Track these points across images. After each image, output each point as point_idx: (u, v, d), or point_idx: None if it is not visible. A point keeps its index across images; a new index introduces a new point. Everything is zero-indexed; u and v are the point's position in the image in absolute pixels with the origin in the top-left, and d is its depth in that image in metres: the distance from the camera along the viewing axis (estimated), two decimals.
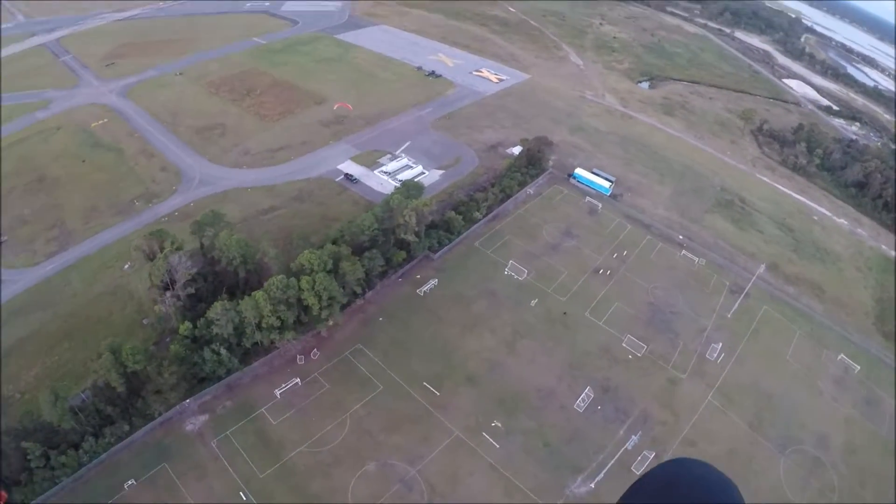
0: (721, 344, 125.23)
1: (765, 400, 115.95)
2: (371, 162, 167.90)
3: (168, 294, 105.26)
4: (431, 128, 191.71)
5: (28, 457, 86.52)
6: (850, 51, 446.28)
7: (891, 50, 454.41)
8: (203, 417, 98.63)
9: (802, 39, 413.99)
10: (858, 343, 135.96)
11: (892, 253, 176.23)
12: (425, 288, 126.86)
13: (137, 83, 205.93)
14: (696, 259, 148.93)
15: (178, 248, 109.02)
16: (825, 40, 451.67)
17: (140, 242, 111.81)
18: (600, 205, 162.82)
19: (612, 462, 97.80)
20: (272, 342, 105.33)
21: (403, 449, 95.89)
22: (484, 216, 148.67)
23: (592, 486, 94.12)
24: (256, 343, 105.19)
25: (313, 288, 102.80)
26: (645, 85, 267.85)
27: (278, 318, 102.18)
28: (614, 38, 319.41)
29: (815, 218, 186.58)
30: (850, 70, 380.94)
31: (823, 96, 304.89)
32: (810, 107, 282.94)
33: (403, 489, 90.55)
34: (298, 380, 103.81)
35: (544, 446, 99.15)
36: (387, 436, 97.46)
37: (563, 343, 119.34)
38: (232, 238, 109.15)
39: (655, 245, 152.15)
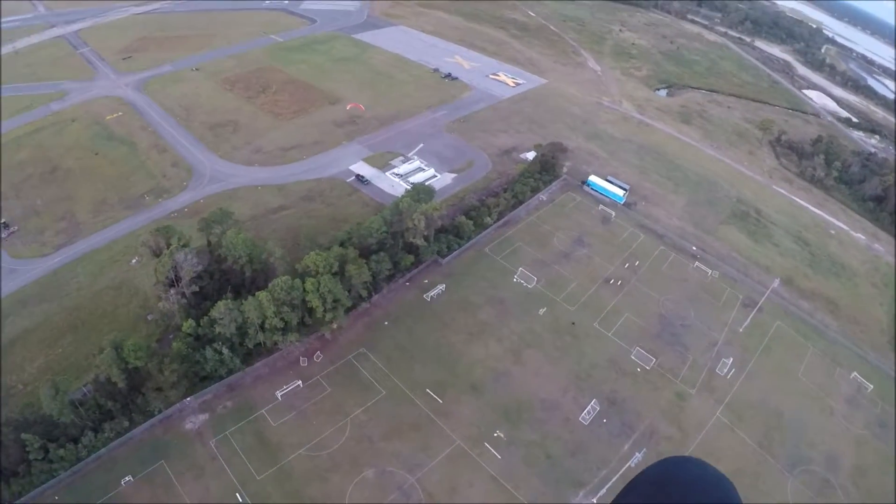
0: (732, 359, 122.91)
1: (775, 418, 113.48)
2: (383, 163, 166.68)
3: (172, 291, 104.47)
4: (445, 130, 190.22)
5: (27, 449, 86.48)
6: (870, 62, 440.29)
7: None
8: (203, 416, 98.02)
9: (823, 50, 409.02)
10: (872, 361, 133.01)
11: None
12: (432, 293, 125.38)
13: (153, 77, 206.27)
14: (710, 271, 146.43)
15: (185, 246, 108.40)
16: (846, 51, 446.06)
17: (147, 238, 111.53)
18: (613, 213, 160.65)
19: (616, 478, 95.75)
20: (275, 343, 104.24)
21: (403, 456, 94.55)
22: (495, 222, 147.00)
23: (594, 501, 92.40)
24: (259, 344, 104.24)
25: (318, 290, 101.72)
26: (663, 92, 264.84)
27: (282, 319, 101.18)
28: (633, 44, 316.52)
29: (832, 232, 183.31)
30: (871, 82, 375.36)
31: (843, 108, 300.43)
32: (829, 118, 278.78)
33: (401, 497, 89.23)
34: (300, 382, 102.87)
35: (546, 459, 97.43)
36: (387, 442, 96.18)
37: (571, 354, 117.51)
38: (239, 237, 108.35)
39: (668, 256, 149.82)
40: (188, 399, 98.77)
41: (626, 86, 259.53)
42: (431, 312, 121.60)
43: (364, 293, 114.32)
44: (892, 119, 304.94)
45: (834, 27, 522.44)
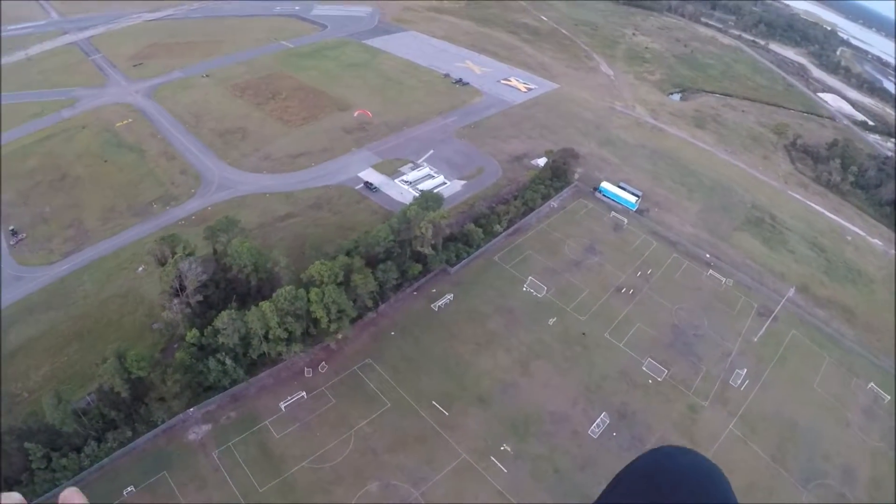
0: (746, 370, 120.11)
1: (789, 430, 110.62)
2: (392, 170, 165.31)
3: (176, 301, 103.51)
4: (455, 137, 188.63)
5: (30, 457, 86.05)
6: (886, 64, 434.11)
7: None
8: (206, 427, 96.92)
9: (838, 52, 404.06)
10: (890, 371, 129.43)
11: None
12: (440, 302, 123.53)
13: (164, 84, 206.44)
14: (724, 279, 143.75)
15: (190, 254, 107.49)
16: (861, 53, 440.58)
17: (152, 246, 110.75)
18: (626, 220, 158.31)
19: None
20: (279, 354, 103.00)
21: (408, 470, 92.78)
22: (505, 229, 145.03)
23: None
24: (263, 354, 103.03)
25: (322, 301, 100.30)
26: (676, 97, 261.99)
27: (286, 329, 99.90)
28: (646, 48, 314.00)
29: (848, 238, 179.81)
30: (886, 84, 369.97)
31: (859, 111, 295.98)
32: (845, 122, 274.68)
33: None
34: (304, 393, 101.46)
35: (554, 473, 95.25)
36: (391, 455, 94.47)
37: (580, 365, 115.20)
38: (244, 245, 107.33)
39: (681, 264, 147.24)
40: (191, 409, 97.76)
41: (640, 90, 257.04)
42: (439, 322, 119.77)
43: (370, 303, 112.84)
44: None
45: (849, 29, 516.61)
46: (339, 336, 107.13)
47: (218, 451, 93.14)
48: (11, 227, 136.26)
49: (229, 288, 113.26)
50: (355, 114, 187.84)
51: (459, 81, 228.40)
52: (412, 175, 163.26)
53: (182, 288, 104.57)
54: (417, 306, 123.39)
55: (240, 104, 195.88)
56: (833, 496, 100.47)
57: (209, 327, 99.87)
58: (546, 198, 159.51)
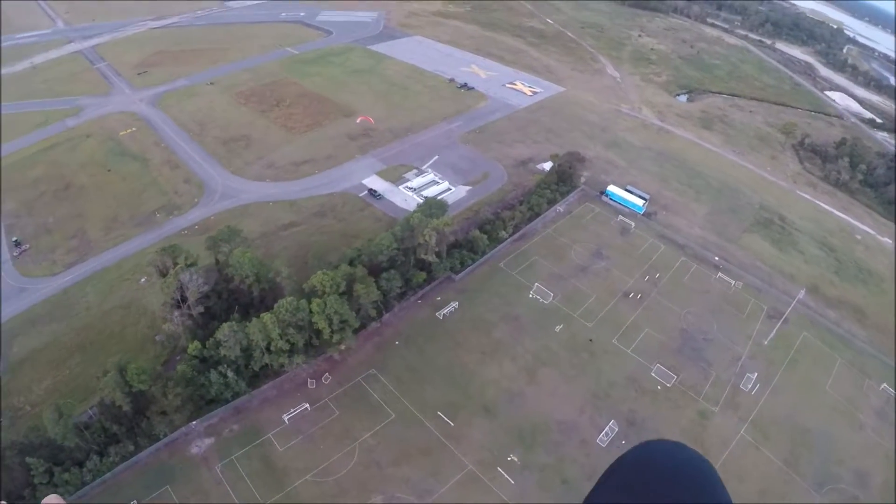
0: (756, 374, 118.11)
1: (801, 434, 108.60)
2: (396, 177, 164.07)
3: (177, 313, 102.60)
4: (460, 142, 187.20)
5: (32, 472, 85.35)
6: (893, 61, 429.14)
7: None
8: (209, 440, 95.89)
9: (845, 50, 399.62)
10: None
11: None
12: (445, 311, 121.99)
13: (168, 92, 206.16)
14: (733, 282, 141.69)
15: (192, 265, 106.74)
16: (868, 51, 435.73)
17: (153, 257, 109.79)
18: (633, 224, 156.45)
19: None
20: (281, 366, 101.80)
21: (412, 482, 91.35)
22: (510, 235, 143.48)
23: None
24: (265, 366, 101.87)
25: (324, 311, 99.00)
26: (683, 98, 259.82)
27: (287, 341, 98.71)
28: (652, 49, 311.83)
29: (858, 237, 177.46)
30: (894, 81, 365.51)
31: (866, 109, 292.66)
32: (853, 120, 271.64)
33: None
34: (307, 405, 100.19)
35: (562, 483, 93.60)
36: (396, 468, 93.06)
37: (588, 372, 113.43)
38: (245, 255, 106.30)
39: (690, 267, 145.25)
40: (194, 423, 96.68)
41: (646, 92, 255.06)
42: (444, 331, 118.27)
43: (373, 313, 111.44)
44: None
45: (855, 27, 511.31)
46: (343, 347, 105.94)
47: (221, 465, 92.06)
48: (15, 238, 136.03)
49: (232, 298, 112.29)
50: (357, 120, 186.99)
51: (464, 86, 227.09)
52: (416, 181, 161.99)
53: (183, 299, 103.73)
54: (422, 315, 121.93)
55: (244, 112, 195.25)
56: (847, 500, 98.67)
57: (211, 339, 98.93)
58: (552, 202, 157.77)
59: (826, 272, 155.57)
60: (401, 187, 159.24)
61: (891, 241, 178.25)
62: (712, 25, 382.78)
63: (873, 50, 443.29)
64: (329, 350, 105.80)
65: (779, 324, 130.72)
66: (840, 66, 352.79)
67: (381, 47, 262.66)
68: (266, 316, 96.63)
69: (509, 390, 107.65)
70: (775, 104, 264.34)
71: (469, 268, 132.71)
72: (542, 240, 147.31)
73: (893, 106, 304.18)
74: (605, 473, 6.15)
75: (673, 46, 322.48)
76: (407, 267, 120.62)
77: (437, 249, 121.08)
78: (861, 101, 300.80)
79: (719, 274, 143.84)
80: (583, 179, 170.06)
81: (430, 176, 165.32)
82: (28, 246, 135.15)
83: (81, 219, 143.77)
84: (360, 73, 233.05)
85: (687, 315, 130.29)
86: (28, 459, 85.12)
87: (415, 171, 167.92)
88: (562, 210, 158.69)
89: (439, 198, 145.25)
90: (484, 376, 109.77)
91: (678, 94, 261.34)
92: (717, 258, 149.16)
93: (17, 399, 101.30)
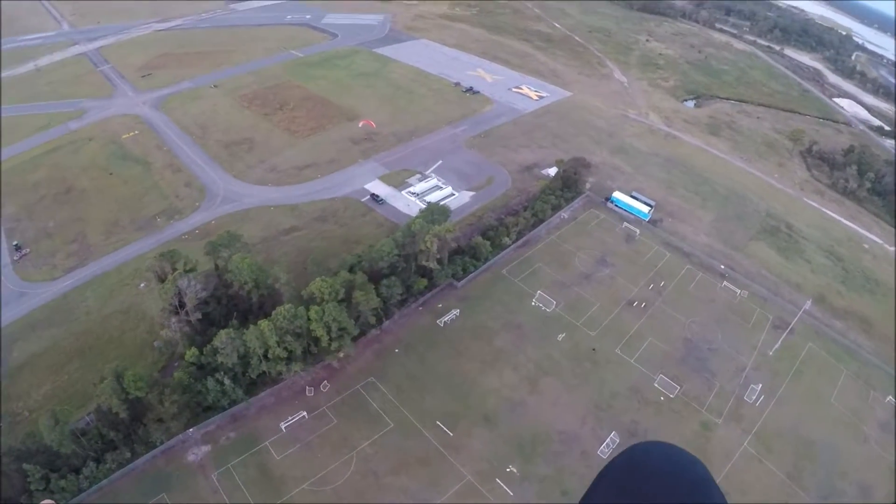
0: (761, 385, 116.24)
1: (805, 447, 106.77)
2: (399, 182, 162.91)
3: (174, 319, 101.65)
4: (465, 146, 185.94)
5: (28, 479, 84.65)
6: (894, 64, 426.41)
7: None
8: (205, 448, 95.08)
9: (853, 57, 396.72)
10: None
11: None
12: (446, 318, 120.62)
13: (172, 95, 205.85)
14: (738, 291, 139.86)
15: (191, 270, 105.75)
16: (876, 58, 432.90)
17: (152, 263, 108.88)
18: (638, 231, 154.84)
19: None
20: (279, 373, 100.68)
21: (410, 492, 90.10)
22: (514, 242, 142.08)
23: None
24: (263, 373, 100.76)
25: (322, 319, 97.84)
26: (690, 104, 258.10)
27: (285, 349, 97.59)
28: (660, 54, 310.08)
29: (866, 246, 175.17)
30: (894, 84, 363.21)
31: (875, 116, 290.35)
32: (861, 127, 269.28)
33: None
34: (305, 413, 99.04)
35: (562, 495, 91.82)
36: (393, 477, 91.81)
37: (590, 382, 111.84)
38: (245, 261, 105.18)
39: (695, 275, 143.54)
40: (190, 430, 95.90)
41: (653, 97, 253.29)
42: (445, 339, 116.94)
43: (373, 320, 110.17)
44: None
45: (864, 33, 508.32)
46: (341, 354, 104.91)
47: (217, 473, 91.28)
48: (16, 243, 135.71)
49: (231, 304, 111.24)
50: (360, 124, 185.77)
51: (470, 90, 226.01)
52: (420, 186, 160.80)
53: (181, 305, 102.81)
54: (423, 322, 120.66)
55: (247, 115, 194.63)
56: None
57: (208, 346, 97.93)
58: (556, 208, 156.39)
59: (833, 282, 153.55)
60: (403, 192, 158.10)
61: None
62: (721, 31, 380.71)
63: (882, 57, 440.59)
64: (327, 358, 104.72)
65: (784, 334, 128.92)
66: (849, 72, 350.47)
67: (386, 50, 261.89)
68: (263, 323, 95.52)
69: (510, 400, 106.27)
70: (783, 111, 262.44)
71: (471, 275, 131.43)
72: (546, 246, 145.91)
73: None
74: (598, 476, 6.19)
75: (681, 51, 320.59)
76: (408, 273, 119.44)
77: (438, 256, 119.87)
78: (869, 109, 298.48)
79: (725, 283, 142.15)
80: (588, 185, 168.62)
81: (434, 181, 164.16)
82: (28, 250, 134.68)
83: (82, 223, 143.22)
84: (365, 77, 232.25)
85: (691, 324, 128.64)
86: (25, 466, 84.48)
87: (418, 175, 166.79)
88: (566, 216, 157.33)
89: (442, 203, 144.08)
90: (484, 385, 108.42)
91: (686, 100, 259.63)
92: (722, 266, 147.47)
93: (15, 404, 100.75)
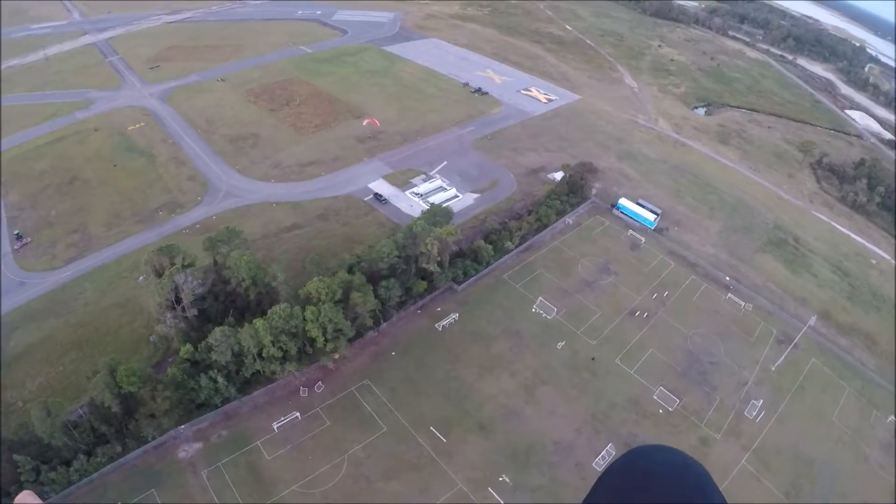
0: (762, 401, 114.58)
1: (805, 466, 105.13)
2: (404, 182, 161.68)
3: (170, 315, 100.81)
4: (471, 148, 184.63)
5: (19, 469, 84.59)
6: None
7: None
8: (197, 445, 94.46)
9: (866, 69, 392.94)
10: None
11: None
12: (444, 322, 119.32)
13: (179, 87, 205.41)
14: (743, 303, 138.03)
15: (189, 266, 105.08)
16: (890, 70, 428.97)
17: (150, 257, 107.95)
18: (643, 239, 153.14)
19: None
20: (273, 373, 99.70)
21: (401, 498, 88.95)
22: (516, 246, 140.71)
23: None
24: (257, 372, 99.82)
25: (318, 319, 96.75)
26: (701, 111, 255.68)
27: (280, 348, 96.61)
28: (672, 60, 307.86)
29: (873, 261, 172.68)
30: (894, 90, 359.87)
31: (887, 129, 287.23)
32: (873, 140, 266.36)
33: None
34: (298, 414, 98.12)
35: None
36: (385, 483, 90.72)
37: (588, 392, 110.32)
38: (243, 258, 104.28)
39: (699, 286, 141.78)
40: (182, 427, 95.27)
41: (663, 103, 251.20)
42: (442, 343, 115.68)
43: (370, 322, 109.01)
44: None
45: (878, 45, 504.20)
46: (336, 356, 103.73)
47: (207, 471, 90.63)
48: (17, 232, 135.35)
49: (228, 301, 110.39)
50: (364, 122, 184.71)
51: (478, 91, 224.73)
52: (423, 187, 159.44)
53: (178, 300, 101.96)
54: (421, 325, 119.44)
55: (253, 110, 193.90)
56: None
57: (203, 343, 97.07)
58: (561, 214, 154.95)
59: (839, 297, 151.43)
60: (407, 192, 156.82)
61: None
62: (734, 38, 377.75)
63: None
64: (323, 359, 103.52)
65: (788, 349, 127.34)
66: (861, 84, 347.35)
67: (396, 48, 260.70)
68: (258, 322, 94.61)
69: (506, 407, 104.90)
70: (794, 121, 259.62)
71: (472, 278, 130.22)
72: (549, 252, 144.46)
73: None
74: (598, 479, 6.11)
75: (693, 58, 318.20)
76: (408, 275, 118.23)
77: (439, 259, 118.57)
78: (881, 122, 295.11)
79: (729, 295, 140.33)
80: (594, 191, 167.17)
81: (438, 182, 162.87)
82: (29, 239, 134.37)
83: (84, 213, 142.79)
84: (374, 74, 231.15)
85: (694, 336, 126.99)
86: (15, 457, 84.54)
87: (422, 176, 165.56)
88: (571, 222, 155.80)
89: (445, 205, 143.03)
90: (481, 392, 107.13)
91: (696, 107, 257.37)
92: (728, 278, 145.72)
93: (10, 394, 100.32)
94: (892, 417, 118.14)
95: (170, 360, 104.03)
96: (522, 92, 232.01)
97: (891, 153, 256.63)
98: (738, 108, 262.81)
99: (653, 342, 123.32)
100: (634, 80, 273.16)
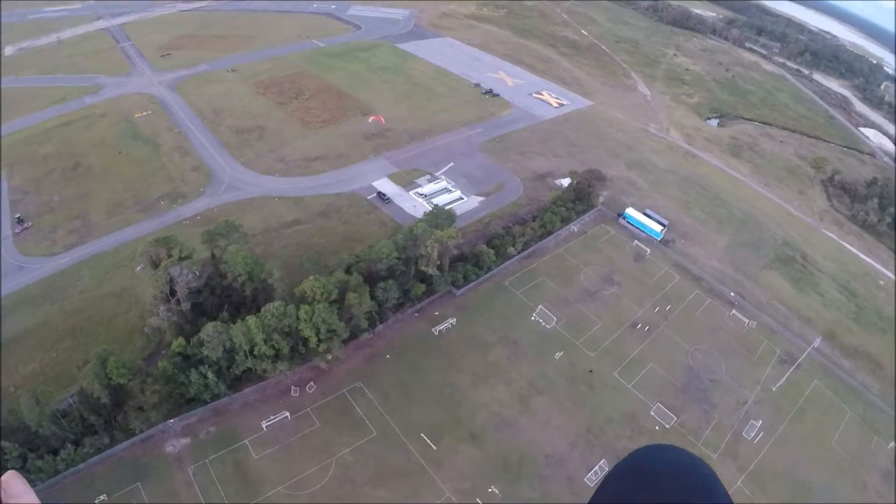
0: (761, 421, 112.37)
1: (801, 491, 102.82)
2: (408, 181, 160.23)
3: (163, 307, 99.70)
4: (479, 150, 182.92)
5: (5, 456, 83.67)
6: None
7: None
8: (184, 440, 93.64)
9: (882, 87, 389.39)
10: None
11: None
12: (442, 327, 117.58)
13: (189, 76, 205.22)
14: (747, 321, 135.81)
15: (186, 258, 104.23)
16: None
17: (147, 248, 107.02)
18: (649, 250, 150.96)
19: None
20: (264, 371, 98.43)
21: None
22: (519, 252, 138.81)
23: None
24: (249, 369, 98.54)
25: (311, 319, 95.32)
26: (713, 122, 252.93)
27: (272, 347, 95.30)
28: (687, 70, 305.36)
29: (881, 283, 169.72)
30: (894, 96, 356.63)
31: None
32: (886, 159, 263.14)
33: None
34: (288, 414, 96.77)
35: None
36: (371, 488, 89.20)
37: (584, 405, 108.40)
38: (240, 254, 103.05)
39: (703, 301, 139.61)
40: (171, 421, 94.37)
41: (676, 113, 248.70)
42: (438, 348, 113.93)
43: (365, 324, 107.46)
44: None
45: (892, 62, 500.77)
46: (329, 357, 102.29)
47: (193, 467, 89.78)
48: (18, 215, 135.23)
49: (224, 295, 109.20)
50: (370, 119, 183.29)
51: (489, 92, 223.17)
52: (428, 188, 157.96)
53: (173, 293, 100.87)
54: (417, 329, 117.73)
55: (262, 102, 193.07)
56: None
57: (195, 337, 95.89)
58: (566, 221, 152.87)
59: (845, 318, 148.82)
60: (411, 192, 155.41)
61: None
62: (750, 50, 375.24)
63: None
64: (315, 359, 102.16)
65: (790, 370, 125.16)
66: (877, 102, 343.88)
67: (409, 46, 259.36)
68: (251, 319, 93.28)
69: (499, 417, 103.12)
70: (807, 136, 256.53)
71: (472, 283, 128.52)
72: (552, 259, 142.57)
73: None
74: (604, 478, 6.04)
75: (708, 68, 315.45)
76: (406, 277, 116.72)
77: (438, 262, 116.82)
78: None
79: (733, 311, 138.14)
80: (601, 199, 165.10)
81: (443, 183, 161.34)
82: (30, 224, 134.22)
83: (86, 200, 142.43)
84: (385, 71, 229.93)
85: (695, 352, 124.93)
86: (3, 443, 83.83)
87: (428, 176, 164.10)
88: (575, 230, 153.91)
89: (449, 207, 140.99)
90: (475, 400, 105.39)
91: (709, 118, 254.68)
92: (732, 294, 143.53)
93: (2, 380, 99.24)
94: (893, 444, 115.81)
95: (162, 352, 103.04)
96: (534, 95, 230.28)
97: None
98: (752, 120, 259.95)
99: (653, 356, 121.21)
100: (648, 88, 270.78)
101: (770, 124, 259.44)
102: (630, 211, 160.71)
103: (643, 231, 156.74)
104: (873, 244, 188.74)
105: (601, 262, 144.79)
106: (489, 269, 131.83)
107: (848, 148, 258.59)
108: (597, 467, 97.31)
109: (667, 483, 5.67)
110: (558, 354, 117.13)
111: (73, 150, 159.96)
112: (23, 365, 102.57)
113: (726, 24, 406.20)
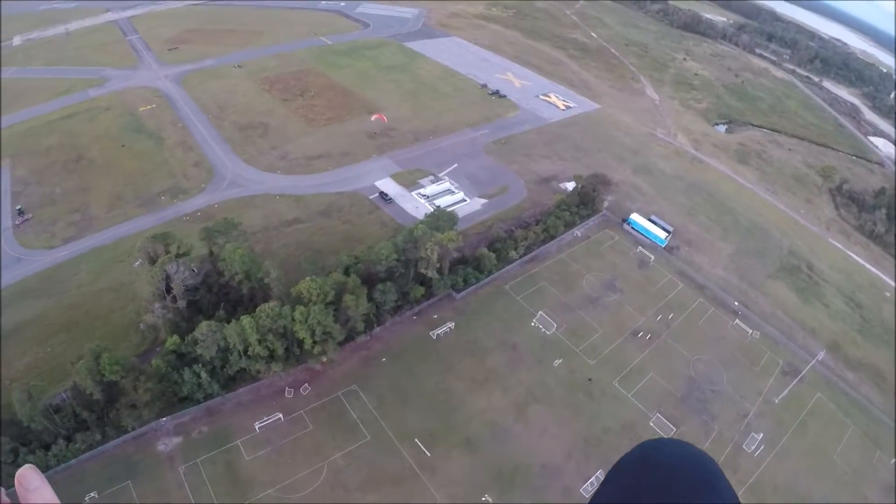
0: (762, 434, 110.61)
1: None
2: (411, 182, 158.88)
3: (158, 305, 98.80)
4: (484, 151, 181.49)
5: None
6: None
7: None
8: (176, 440, 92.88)
9: (892, 96, 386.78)
10: None
11: None
12: (440, 331, 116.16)
13: (194, 71, 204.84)
14: (750, 331, 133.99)
15: (184, 255, 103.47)
16: None
17: (144, 244, 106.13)
18: (652, 257, 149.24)
19: None
20: (258, 372, 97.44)
21: None
22: (520, 256, 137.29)
23: None
24: (243, 369, 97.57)
25: (306, 321, 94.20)
26: (721, 128, 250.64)
27: (266, 347, 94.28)
28: (696, 74, 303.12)
29: (888, 295, 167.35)
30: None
31: None
32: (894, 169, 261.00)
33: None
34: (281, 415, 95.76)
35: None
36: (363, 494, 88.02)
37: (582, 414, 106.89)
38: (237, 252, 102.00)
39: (707, 310, 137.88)
40: (164, 419, 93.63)
41: (684, 118, 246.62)
42: (436, 352, 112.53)
43: (362, 326, 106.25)
44: None
45: None
46: (324, 359, 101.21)
47: (184, 466, 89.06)
48: (19, 207, 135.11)
49: (222, 293, 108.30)
50: (373, 118, 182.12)
51: (496, 93, 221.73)
52: (431, 189, 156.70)
53: (168, 290, 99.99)
54: (415, 332, 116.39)
55: (266, 98, 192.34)
56: None
57: (190, 335, 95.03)
58: (570, 225, 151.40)
59: (850, 329, 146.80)
60: (413, 193, 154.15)
61: None
62: (760, 56, 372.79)
63: None
64: (310, 361, 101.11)
65: (794, 382, 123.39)
66: (886, 111, 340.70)
67: (416, 45, 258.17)
68: (245, 319, 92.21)
69: (495, 424, 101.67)
70: (816, 144, 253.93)
71: (472, 287, 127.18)
72: (554, 264, 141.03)
73: None
74: (609, 472, 6.04)
75: (717, 73, 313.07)
76: (405, 280, 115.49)
77: (438, 265, 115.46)
78: None
79: (737, 321, 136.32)
80: (606, 204, 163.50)
81: (446, 184, 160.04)
82: (31, 215, 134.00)
83: (87, 193, 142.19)
84: (392, 70, 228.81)
85: (697, 362, 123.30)
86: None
87: (431, 177, 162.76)
88: (579, 235, 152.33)
89: (451, 209, 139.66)
90: (471, 406, 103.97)
91: (717, 124, 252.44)
92: (736, 303, 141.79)
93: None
94: (895, 460, 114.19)
95: (157, 349, 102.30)
96: (541, 97, 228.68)
97: None
98: (760, 127, 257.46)
99: (654, 366, 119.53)
100: (656, 92, 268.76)
101: (779, 131, 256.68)
102: (635, 216, 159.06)
103: (647, 237, 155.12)
104: (880, 255, 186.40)
105: (604, 269, 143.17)
106: (490, 273, 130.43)
107: (856, 157, 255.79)
108: (593, 478, 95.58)
109: (672, 477, 5.58)
110: (557, 362, 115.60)
111: (76, 142, 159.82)
112: (18, 358, 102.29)
113: (737, 29, 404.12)
